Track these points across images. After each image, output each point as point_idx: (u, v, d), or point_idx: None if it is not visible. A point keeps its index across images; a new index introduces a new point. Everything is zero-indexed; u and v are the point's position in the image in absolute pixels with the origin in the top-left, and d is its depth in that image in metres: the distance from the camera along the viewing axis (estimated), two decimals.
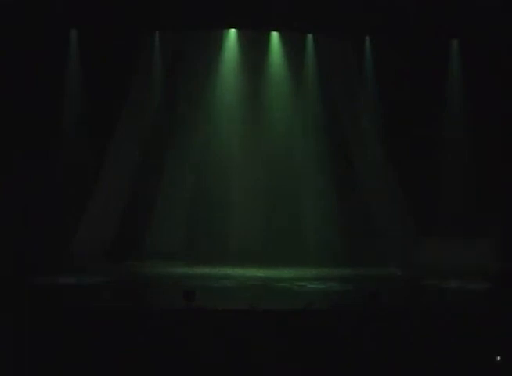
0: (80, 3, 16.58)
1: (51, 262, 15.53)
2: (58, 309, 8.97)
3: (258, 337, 8.28)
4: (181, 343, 8.04)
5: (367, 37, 18.29)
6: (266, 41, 18.49)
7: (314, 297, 12.48)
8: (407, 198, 17.44)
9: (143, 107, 18.14)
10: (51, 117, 17.30)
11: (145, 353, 7.85)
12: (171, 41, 18.15)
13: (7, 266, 14.65)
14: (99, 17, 16.73)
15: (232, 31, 18.38)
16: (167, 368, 7.78)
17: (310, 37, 18.52)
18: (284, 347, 8.13)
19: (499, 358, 8.17)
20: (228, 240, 17.71)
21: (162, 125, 18.16)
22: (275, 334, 8.39)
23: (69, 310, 9.30)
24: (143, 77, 18.18)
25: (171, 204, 18.20)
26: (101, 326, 8.31)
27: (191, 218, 18.07)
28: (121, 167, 18.07)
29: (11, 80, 16.44)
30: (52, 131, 17.33)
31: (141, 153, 18.12)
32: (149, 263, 16.58)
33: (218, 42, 18.41)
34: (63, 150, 17.76)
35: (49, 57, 17.01)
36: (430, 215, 16.92)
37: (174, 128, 18.24)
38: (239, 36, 18.39)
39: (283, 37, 18.49)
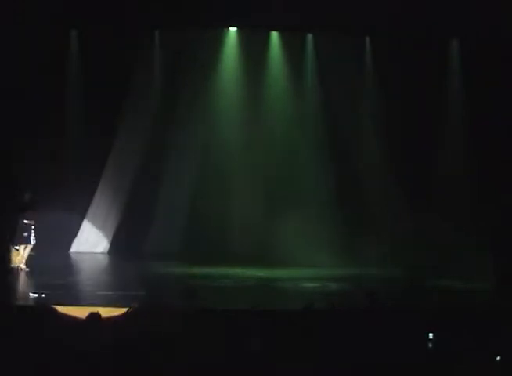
0: (80, 3, 16.58)
1: (51, 261, 15.52)
2: (57, 309, 8.97)
3: (258, 337, 8.28)
4: (181, 343, 8.04)
5: (367, 37, 18.32)
6: (266, 40, 18.50)
7: (314, 297, 12.48)
8: (407, 198, 17.43)
9: (143, 107, 18.15)
10: (50, 118, 17.30)
11: (145, 353, 7.85)
12: (171, 40, 18.16)
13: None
14: (99, 17, 16.73)
15: (232, 30, 18.41)
16: (166, 368, 7.78)
17: (310, 37, 18.54)
18: (284, 347, 8.14)
19: (498, 358, 8.17)
20: (228, 241, 17.70)
21: (162, 125, 18.17)
22: (275, 334, 8.39)
23: (68, 309, 9.30)
24: (143, 76, 18.19)
25: (171, 204, 18.20)
26: (100, 326, 8.31)
27: (191, 218, 18.07)
28: (121, 166, 18.08)
29: (11, 80, 16.42)
30: (52, 131, 17.33)
31: (141, 152, 18.12)
32: (149, 263, 16.56)
33: (218, 41, 18.42)
34: (63, 149, 17.78)
35: (49, 57, 17.02)
36: (429, 214, 16.90)
37: (174, 127, 18.24)
38: (239, 35, 18.41)
39: (282, 37, 18.50)
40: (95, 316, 8.35)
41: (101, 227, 18.23)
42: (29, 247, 14.76)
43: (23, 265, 14.69)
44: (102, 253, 18.17)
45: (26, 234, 14.66)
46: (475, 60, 17.32)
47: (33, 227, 14.74)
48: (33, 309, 9.99)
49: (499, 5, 15.95)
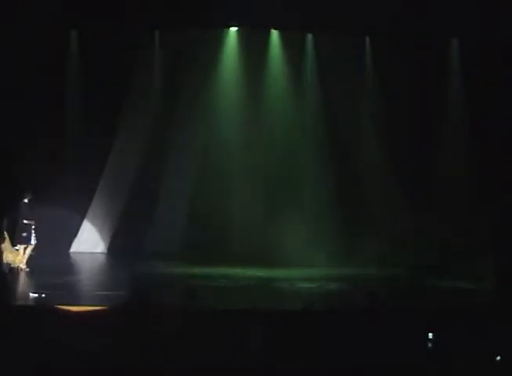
0: (80, 3, 16.58)
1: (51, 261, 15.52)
2: (57, 309, 8.97)
3: (259, 337, 8.28)
4: (181, 343, 8.04)
5: (367, 37, 18.32)
6: (266, 40, 18.50)
7: (313, 297, 12.48)
8: (407, 198, 17.42)
9: (143, 107, 18.14)
10: (50, 118, 17.29)
11: (145, 353, 7.85)
12: (171, 40, 18.15)
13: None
14: (99, 17, 16.74)
15: (232, 30, 18.40)
16: (166, 368, 7.78)
17: (310, 37, 18.54)
18: (284, 347, 8.13)
19: (499, 358, 8.16)
20: (228, 241, 17.69)
21: (162, 125, 18.17)
22: (275, 334, 8.38)
23: (68, 309, 9.30)
24: (143, 76, 18.19)
25: (171, 204, 18.19)
26: (100, 326, 8.31)
27: (191, 218, 18.06)
28: (121, 166, 18.07)
29: (11, 80, 16.41)
30: (52, 131, 17.32)
31: (141, 152, 18.12)
32: (149, 263, 16.55)
33: (218, 41, 18.42)
34: (63, 149, 17.78)
35: (49, 57, 17.02)
36: (429, 214, 16.90)
37: (174, 127, 18.24)
38: (239, 35, 18.41)
39: (282, 37, 18.50)
40: (95, 316, 8.35)
41: (101, 227, 18.23)
42: (29, 247, 14.76)
43: (23, 265, 14.69)
44: (102, 253, 18.18)
45: (26, 234, 14.67)
46: (475, 60, 17.33)
47: (33, 227, 14.74)
48: (33, 309, 9.99)
49: (499, 5, 15.96)
